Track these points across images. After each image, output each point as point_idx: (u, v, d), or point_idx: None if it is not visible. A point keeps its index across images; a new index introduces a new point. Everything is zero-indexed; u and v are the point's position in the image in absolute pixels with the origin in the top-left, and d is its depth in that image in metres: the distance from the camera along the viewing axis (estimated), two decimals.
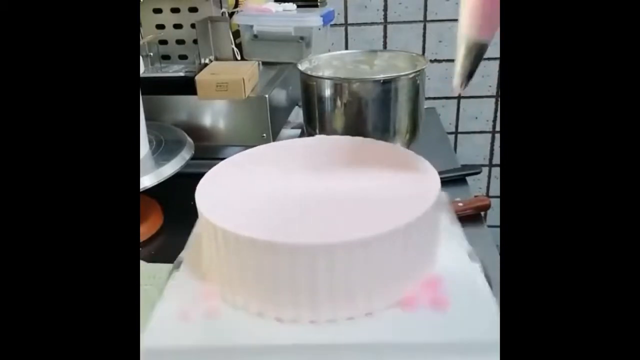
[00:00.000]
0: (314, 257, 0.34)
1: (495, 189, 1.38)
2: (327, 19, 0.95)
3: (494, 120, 1.30)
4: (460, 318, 0.34)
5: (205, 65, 0.85)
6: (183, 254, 0.44)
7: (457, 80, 0.37)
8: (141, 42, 0.88)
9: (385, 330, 0.34)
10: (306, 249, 0.33)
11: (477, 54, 0.35)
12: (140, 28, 0.90)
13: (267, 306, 0.36)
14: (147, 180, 0.63)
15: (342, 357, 0.33)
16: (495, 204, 1.33)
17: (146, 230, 0.69)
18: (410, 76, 0.72)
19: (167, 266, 0.44)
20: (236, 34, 0.92)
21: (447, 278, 0.38)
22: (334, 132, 0.75)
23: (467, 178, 0.82)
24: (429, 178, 0.40)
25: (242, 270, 0.36)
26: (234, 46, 0.87)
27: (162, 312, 0.37)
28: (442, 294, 0.36)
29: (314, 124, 0.78)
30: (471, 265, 0.39)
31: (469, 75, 0.36)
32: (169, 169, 0.66)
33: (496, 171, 1.36)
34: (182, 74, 0.87)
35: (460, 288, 0.37)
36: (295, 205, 0.38)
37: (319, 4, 1.01)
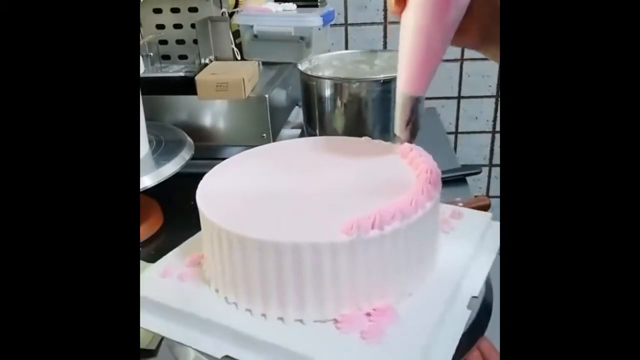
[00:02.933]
0: (318, 255, 0.34)
1: (495, 189, 1.38)
2: (327, 19, 0.95)
3: (494, 120, 1.30)
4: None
5: (205, 65, 0.85)
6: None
7: (398, 128, 0.42)
8: (141, 42, 0.87)
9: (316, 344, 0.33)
10: (312, 247, 0.33)
11: (413, 106, 0.40)
12: (140, 28, 0.90)
13: (269, 305, 0.36)
14: (147, 180, 0.63)
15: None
16: (495, 204, 1.33)
17: (146, 230, 0.69)
18: None
19: None
20: (236, 34, 0.92)
21: (399, 313, 0.35)
22: (334, 132, 0.75)
23: (467, 178, 0.82)
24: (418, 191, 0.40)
25: (244, 269, 0.36)
26: (234, 46, 0.87)
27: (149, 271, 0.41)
28: (380, 326, 0.34)
29: (314, 124, 0.78)
30: (461, 313, 0.36)
31: (408, 123, 0.41)
32: (169, 169, 0.66)
33: (496, 171, 1.36)
34: (182, 74, 0.87)
35: (409, 333, 0.33)
36: (297, 203, 0.39)
37: (319, 4, 1.01)
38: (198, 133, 0.80)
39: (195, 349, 0.35)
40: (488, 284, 0.42)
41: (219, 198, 0.40)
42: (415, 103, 0.40)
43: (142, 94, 0.69)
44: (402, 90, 0.40)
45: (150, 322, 0.37)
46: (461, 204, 0.69)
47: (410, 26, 0.38)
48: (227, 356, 0.34)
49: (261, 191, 0.41)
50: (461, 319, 0.35)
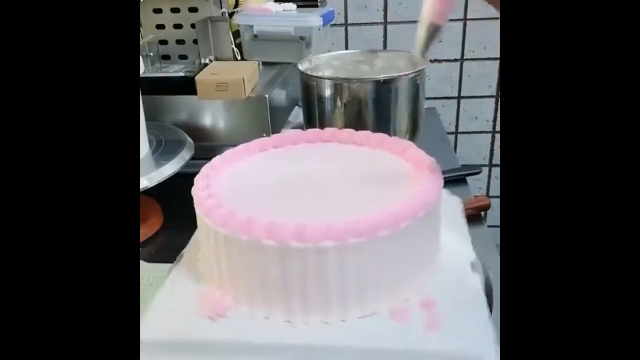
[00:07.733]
0: (322, 258, 0.33)
1: (495, 189, 1.38)
2: (327, 19, 0.95)
3: (494, 120, 1.30)
4: (452, 338, 0.34)
5: (205, 65, 0.85)
6: (184, 251, 0.44)
7: (418, 51, 0.45)
8: (141, 42, 0.87)
9: (377, 337, 0.34)
10: (315, 250, 0.33)
11: (434, 33, 0.44)
12: (140, 28, 0.90)
13: (273, 307, 0.36)
14: (147, 180, 0.63)
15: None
16: (495, 204, 1.33)
17: (146, 230, 0.69)
18: (410, 76, 0.72)
19: (167, 266, 0.44)
20: (236, 34, 0.92)
21: (443, 297, 0.37)
22: None
23: (467, 178, 0.82)
24: (432, 179, 0.40)
25: (238, 270, 0.36)
26: (234, 46, 0.87)
27: (160, 309, 0.37)
28: (436, 313, 0.36)
29: (314, 124, 0.78)
30: (472, 277, 0.39)
31: (427, 47, 0.45)
32: (169, 169, 0.66)
33: (496, 171, 1.36)
34: (182, 74, 0.87)
35: (455, 309, 0.36)
36: (297, 203, 0.38)
37: (319, 4, 1.01)
38: (198, 133, 0.80)
39: None
40: (488, 284, 0.42)
41: (216, 196, 0.39)
42: (437, 31, 0.44)
43: (142, 94, 0.69)
44: (429, 19, 0.44)
45: None
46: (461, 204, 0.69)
47: None
48: None
49: (268, 193, 0.40)
50: (478, 284, 0.38)
